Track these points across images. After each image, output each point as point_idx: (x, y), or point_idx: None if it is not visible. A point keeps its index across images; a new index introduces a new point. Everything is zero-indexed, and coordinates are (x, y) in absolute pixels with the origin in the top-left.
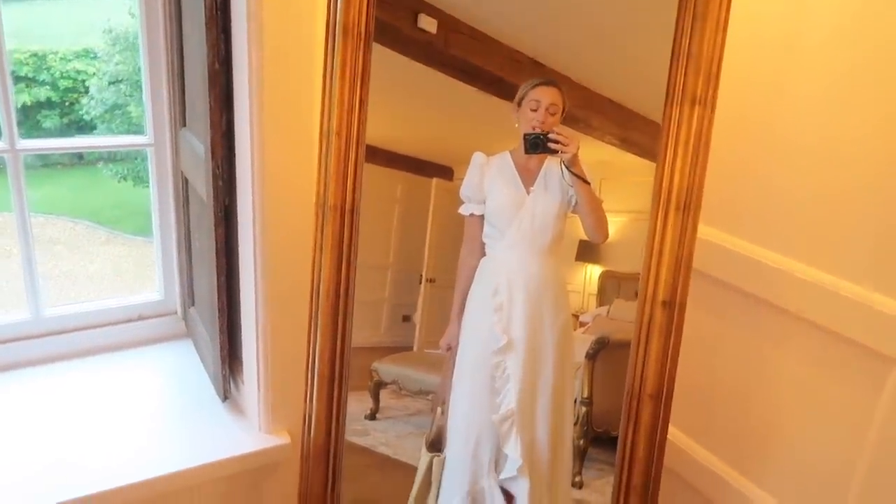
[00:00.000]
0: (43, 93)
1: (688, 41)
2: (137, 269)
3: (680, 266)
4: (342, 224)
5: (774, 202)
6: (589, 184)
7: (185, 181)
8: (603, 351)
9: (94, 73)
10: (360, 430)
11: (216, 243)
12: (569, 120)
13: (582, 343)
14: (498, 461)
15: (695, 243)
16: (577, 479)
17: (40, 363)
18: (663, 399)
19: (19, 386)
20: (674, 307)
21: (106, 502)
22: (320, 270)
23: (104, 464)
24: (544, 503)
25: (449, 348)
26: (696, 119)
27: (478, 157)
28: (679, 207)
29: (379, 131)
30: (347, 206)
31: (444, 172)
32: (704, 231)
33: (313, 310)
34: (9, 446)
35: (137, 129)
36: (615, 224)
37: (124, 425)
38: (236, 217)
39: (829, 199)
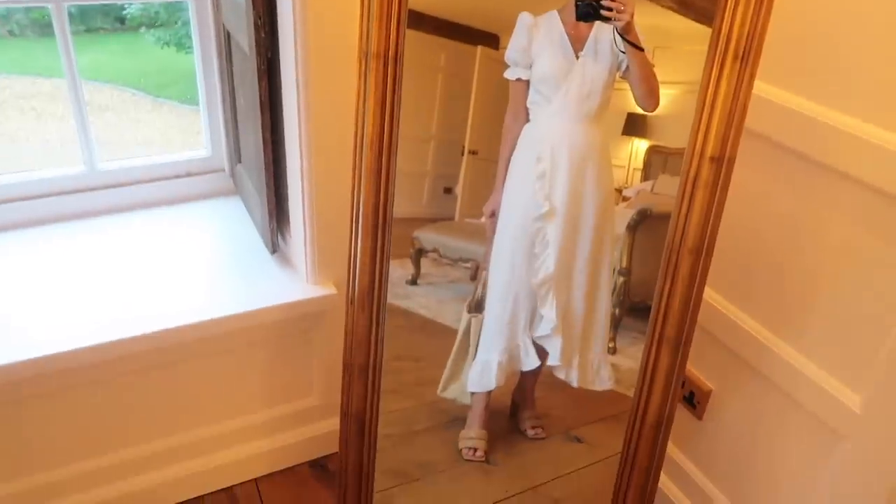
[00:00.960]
0: None
1: None
2: (185, 136)
3: (732, 120)
4: (385, 72)
5: (837, 55)
6: (643, 51)
7: (228, 35)
8: (644, 223)
9: None
10: (401, 294)
11: (260, 97)
12: None
13: (624, 216)
14: (533, 321)
15: (750, 96)
16: (610, 345)
17: (95, 215)
18: (703, 254)
19: (77, 235)
20: (722, 163)
21: (165, 341)
22: (364, 119)
23: (160, 307)
24: (576, 360)
25: (493, 214)
26: None
27: (524, 18)
28: (737, 57)
29: None
30: (391, 54)
31: (490, 40)
32: (756, 86)
33: (357, 158)
34: (69, 290)
35: None
36: (666, 96)
37: (178, 274)
38: (279, 71)
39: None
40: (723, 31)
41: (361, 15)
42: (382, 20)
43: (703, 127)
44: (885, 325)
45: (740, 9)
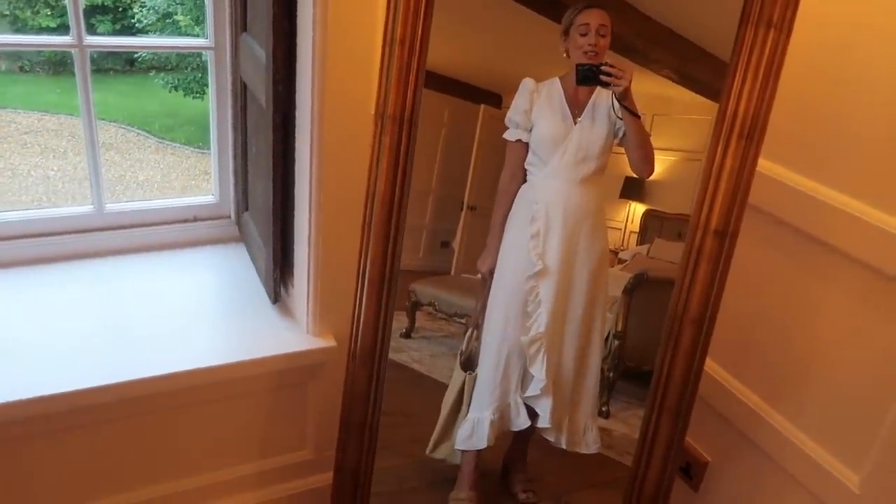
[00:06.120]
0: None
1: None
2: (186, 178)
3: (736, 196)
4: (399, 134)
5: (837, 138)
6: (639, 118)
7: (244, 86)
8: (640, 287)
9: None
10: (394, 347)
11: (273, 149)
12: (626, 50)
13: (619, 279)
14: (525, 380)
15: (754, 174)
16: (604, 409)
17: (101, 256)
18: (705, 325)
19: (82, 275)
20: (725, 237)
21: (159, 387)
22: (376, 180)
23: (157, 352)
24: (565, 422)
25: (488, 272)
26: (770, 43)
27: (527, 83)
28: (742, 135)
29: (430, 54)
30: (406, 116)
31: (493, 99)
32: (760, 163)
33: (367, 217)
34: (70, 329)
35: None
36: (664, 163)
37: (177, 319)
38: (294, 124)
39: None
40: (729, 111)
41: (380, 78)
42: (400, 84)
43: (707, 201)
44: (883, 404)
45: (746, 90)
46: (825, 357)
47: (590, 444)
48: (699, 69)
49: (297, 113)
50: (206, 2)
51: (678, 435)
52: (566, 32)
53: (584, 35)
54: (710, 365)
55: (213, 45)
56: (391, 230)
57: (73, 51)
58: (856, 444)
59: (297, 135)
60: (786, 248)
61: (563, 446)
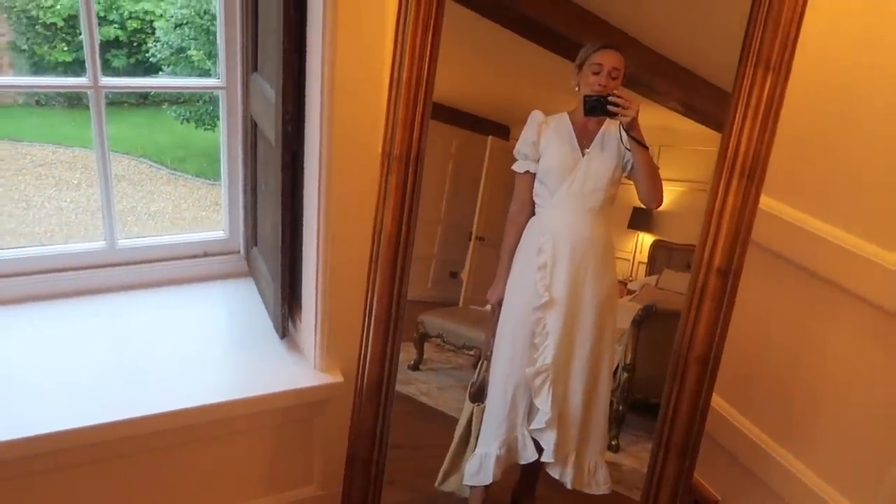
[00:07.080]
0: (112, 32)
1: (767, 4)
2: (197, 209)
3: (738, 235)
4: (406, 174)
5: (838, 176)
6: (647, 148)
7: (254, 125)
8: (649, 319)
9: (161, 15)
10: (402, 379)
11: (282, 187)
12: (632, 83)
13: (628, 310)
14: (531, 413)
15: (755, 213)
16: (613, 442)
17: (112, 291)
18: (710, 364)
19: (93, 311)
20: (728, 275)
21: (167, 423)
22: (382, 218)
23: (166, 388)
24: (571, 458)
25: (500, 304)
26: (769, 85)
27: (536, 116)
28: (743, 175)
29: (439, 86)
30: (412, 157)
31: (501, 131)
32: (762, 201)
33: (374, 256)
34: (80, 365)
35: (199, 74)
36: (671, 193)
37: (186, 354)
38: (303, 161)
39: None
40: (729, 151)
41: (387, 120)
42: (406, 126)
43: (710, 240)
44: (892, 443)
45: (746, 130)
46: (832, 394)
47: (600, 484)
48: (703, 101)
49: (306, 151)
50: (219, 43)
51: (685, 473)
52: (580, 67)
53: (595, 74)
54: (717, 401)
55: (225, 85)
56: (397, 269)
57: (89, 92)
58: (865, 483)
59: (305, 172)
60: (791, 285)
61: (568, 484)
